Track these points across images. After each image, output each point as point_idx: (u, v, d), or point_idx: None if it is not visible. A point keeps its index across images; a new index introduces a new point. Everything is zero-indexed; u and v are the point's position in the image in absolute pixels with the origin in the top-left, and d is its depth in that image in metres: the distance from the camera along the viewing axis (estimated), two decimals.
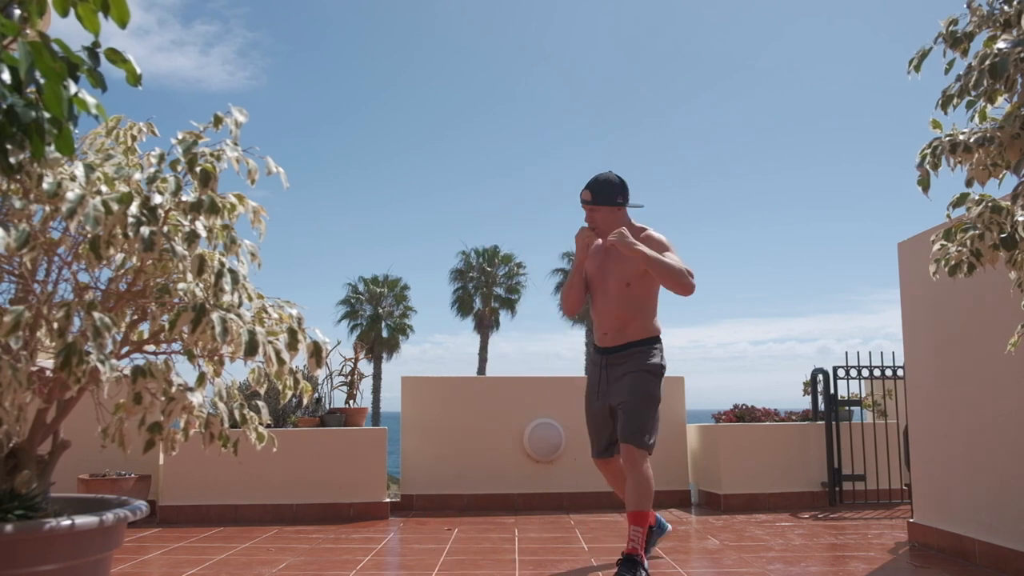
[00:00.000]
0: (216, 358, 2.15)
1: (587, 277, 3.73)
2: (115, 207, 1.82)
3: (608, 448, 3.72)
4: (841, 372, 6.02)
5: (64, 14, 1.25)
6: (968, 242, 2.22)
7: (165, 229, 1.96)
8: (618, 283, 3.59)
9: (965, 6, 2.25)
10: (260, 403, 2.34)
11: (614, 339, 3.60)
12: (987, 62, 2.05)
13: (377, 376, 36.39)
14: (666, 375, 3.64)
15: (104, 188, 1.91)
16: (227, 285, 2.01)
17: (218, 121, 2.11)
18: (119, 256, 2.09)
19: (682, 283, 3.46)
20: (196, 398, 2.06)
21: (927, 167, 2.26)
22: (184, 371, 2.10)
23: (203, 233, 1.99)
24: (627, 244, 3.42)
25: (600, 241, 3.68)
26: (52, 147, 1.31)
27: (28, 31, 1.27)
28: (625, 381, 3.53)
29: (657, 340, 3.63)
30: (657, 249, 3.52)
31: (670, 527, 3.99)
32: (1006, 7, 2.16)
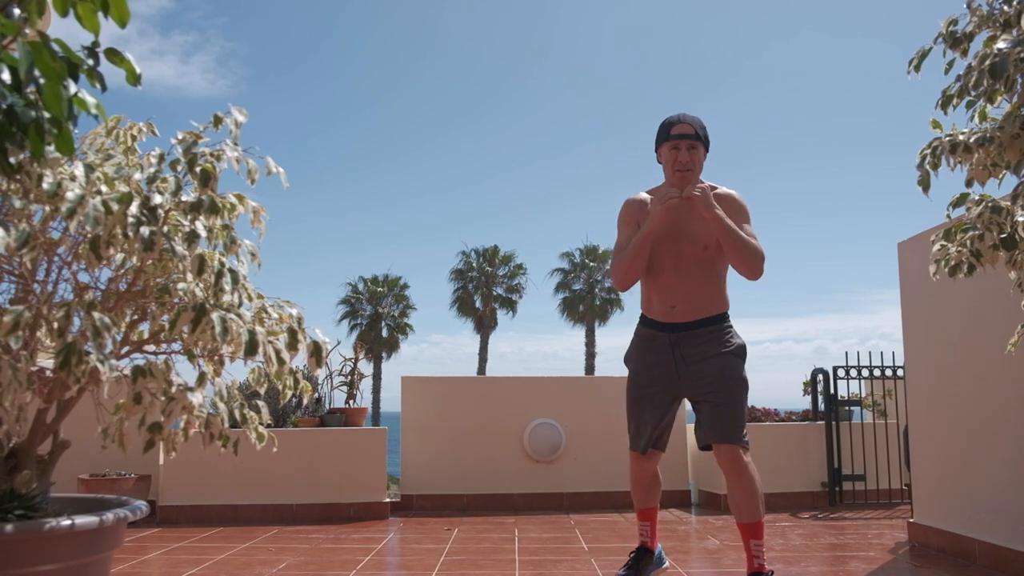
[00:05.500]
0: (216, 358, 2.15)
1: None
2: (115, 207, 1.82)
3: (657, 441, 3.15)
4: (841, 372, 6.03)
5: (64, 14, 1.25)
6: (968, 242, 2.22)
7: (165, 229, 1.96)
8: (695, 247, 3.05)
9: (965, 6, 2.25)
10: (260, 403, 2.34)
11: (685, 313, 3.06)
12: (987, 62, 2.05)
13: (377, 376, 36.38)
14: None
15: (104, 188, 1.91)
16: (227, 285, 2.01)
17: (218, 121, 2.10)
18: (119, 256, 2.09)
19: (755, 267, 2.97)
20: (196, 398, 2.06)
21: (927, 167, 2.26)
22: (184, 371, 2.10)
23: (203, 233, 1.99)
24: (710, 205, 2.90)
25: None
26: (52, 147, 1.31)
27: (28, 31, 1.27)
28: (712, 366, 3.01)
29: (728, 315, 3.15)
30: (738, 217, 3.03)
31: (667, 563, 3.50)
32: (1006, 7, 2.16)
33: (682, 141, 3.05)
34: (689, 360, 3.05)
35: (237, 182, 2.32)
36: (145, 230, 1.85)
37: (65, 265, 2.11)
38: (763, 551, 2.98)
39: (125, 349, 2.18)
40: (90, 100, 1.33)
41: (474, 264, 37.98)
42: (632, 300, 41.07)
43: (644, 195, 3.20)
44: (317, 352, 2.11)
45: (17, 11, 1.27)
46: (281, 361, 2.05)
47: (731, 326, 3.14)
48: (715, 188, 3.14)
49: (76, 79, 1.30)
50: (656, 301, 3.12)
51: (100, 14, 1.27)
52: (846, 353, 7.51)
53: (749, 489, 2.92)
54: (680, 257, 3.07)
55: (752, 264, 2.97)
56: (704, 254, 3.07)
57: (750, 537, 2.97)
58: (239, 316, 2.00)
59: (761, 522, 2.96)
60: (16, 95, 1.23)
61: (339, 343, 6.71)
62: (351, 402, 5.87)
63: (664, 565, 3.44)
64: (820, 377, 6.14)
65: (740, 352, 3.09)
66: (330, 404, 5.93)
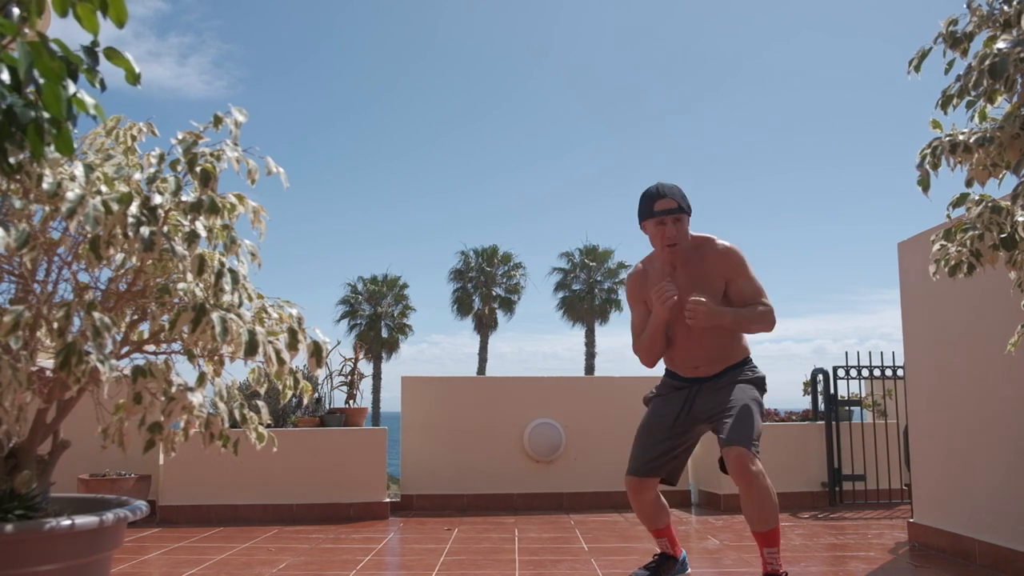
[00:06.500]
0: (216, 358, 2.15)
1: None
2: (115, 207, 1.82)
3: (653, 468, 3.17)
4: (841, 372, 6.02)
5: (63, 14, 1.25)
6: (968, 242, 2.22)
7: (165, 229, 1.96)
8: None
9: (965, 6, 2.25)
10: (260, 403, 2.34)
11: (708, 369, 3.16)
12: (987, 62, 2.05)
13: (377, 376, 36.38)
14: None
15: (104, 188, 1.91)
16: (227, 285, 2.01)
17: (218, 121, 2.11)
18: (119, 256, 2.09)
19: (767, 329, 3.09)
20: (196, 398, 2.06)
21: (927, 167, 2.26)
22: (184, 371, 2.10)
23: (203, 233, 1.99)
24: (714, 317, 2.98)
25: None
26: (52, 147, 1.31)
27: (27, 31, 1.27)
28: (728, 390, 3.08)
29: (750, 359, 3.24)
30: (740, 276, 3.13)
31: (690, 569, 3.53)
32: (1006, 7, 2.16)
33: (667, 216, 3.08)
34: (704, 396, 3.14)
35: (237, 182, 2.32)
36: (145, 230, 1.85)
37: (65, 265, 2.11)
38: (777, 558, 2.94)
39: (125, 349, 2.18)
40: (89, 100, 1.33)
41: (473, 264, 37.98)
42: None
43: (642, 267, 3.31)
44: (317, 352, 2.11)
45: (16, 11, 1.27)
46: (281, 361, 2.05)
47: (753, 367, 3.22)
48: (711, 239, 3.19)
49: (75, 79, 1.30)
50: (679, 362, 3.23)
51: (98, 14, 1.27)
52: (846, 353, 7.52)
53: (760, 498, 2.86)
54: (689, 327, 3.10)
55: (764, 329, 3.11)
56: None
57: (764, 546, 2.94)
58: (239, 316, 2.00)
59: (776, 530, 2.91)
60: (15, 95, 1.23)
61: (339, 343, 6.71)
62: (351, 402, 5.87)
63: (688, 571, 3.47)
64: (820, 377, 6.14)
65: (757, 383, 3.16)
66: (330, 404, 5.93)
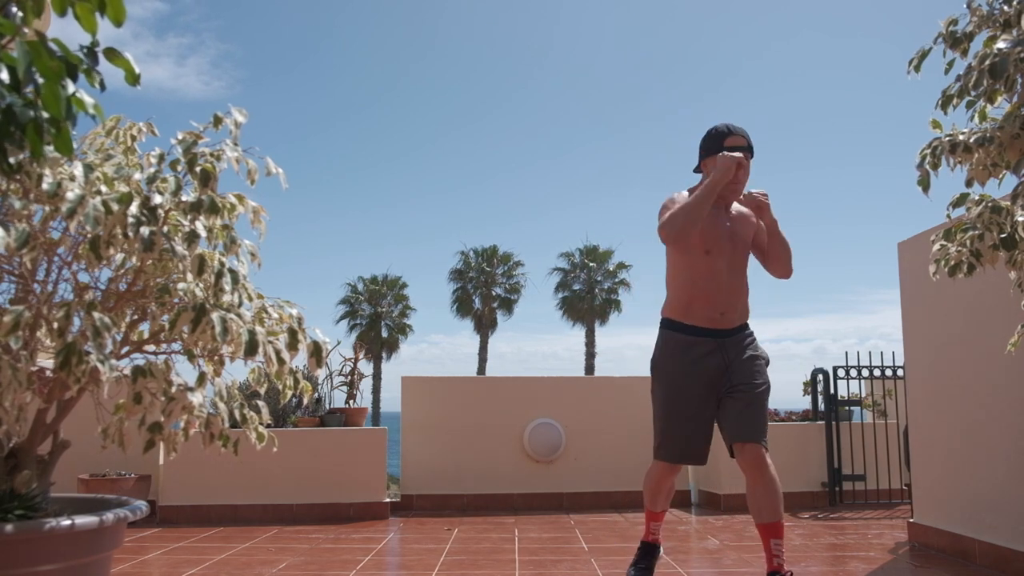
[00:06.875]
0: (216, 358, 2.15)
1: (699, 242, 3.05)
2: (115, 207, 1.82)
3: (701, 454, 3.07)
4: (841, 372, 6.03)
5: (62, 13, 1.25)
6: (968, 242, 2.22)
7: (165, 229, 1.96)
8: (744, 251, 3.12)
9: (965, 6, 2.25)
10: (260, 403, 2.34)
11: (731, 320, 3.08)
12: (987, 62, 2.05)
13: (377, 376, 36.41)
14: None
15: (104, 188, 1.91)
16: (227, 285, 2.01)
17: (218, 121, 2.11)
18: (119, 256, 2.09)
19: (791, 266, 3.16)
20: (196, 398, 2.06)
21: (927, 167, 2.26)
22: (184, 371, 2.10)
23: (203, 233, 1.99)
24: (769, 209, 3.07)
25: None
26: (51, 147, 1.31)
27: (26, 30, 1.27)
28: (750, 362, 3.03)
29: None
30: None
31: (662, 550, 3.53)
32: (1006, 7, 2.16)
33: (741, 153, 3.06)
34: (736, 355, 3.05)
35: (237, 182, 2.32)
36: (145, 230, 1.85)
37: (65, 265, 2.11)
38: (783, 551, 2.94)
39: (125, 349, 2.18)
40: (88, 100, 1.33)
41: (473, 264, 37.99)
42: (632, 301, 41.07)
43: (688, 194, 3.14)
44: (317, 352, 2.11)
45: (16, 11, 1.27)
46: (281, 361, 2.05)
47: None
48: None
49: (75, 79, 1.30)
50: (701, 307, 3.06)
51: (96, 14, 1.27)
52: (846, 353, 7.52)
53: (771, 489, 2.88)
54: (734, 260, 3.09)
55: (790, 263, 3.15)
56: (746, 259, 3.16)
57: (770, 537, 2.92)
58: (239, 316, 2.00)
59: (782, 522, 2.93)
60: (15, 95, 1.23)
61: (339, 343, 6.71)
62: (351, 402, 5.87)
63: (660, 552, 3.49)
64: (820, 377, 6.14)
65: (767, 362, 3.17)
66: (330, 404, 5.93)
